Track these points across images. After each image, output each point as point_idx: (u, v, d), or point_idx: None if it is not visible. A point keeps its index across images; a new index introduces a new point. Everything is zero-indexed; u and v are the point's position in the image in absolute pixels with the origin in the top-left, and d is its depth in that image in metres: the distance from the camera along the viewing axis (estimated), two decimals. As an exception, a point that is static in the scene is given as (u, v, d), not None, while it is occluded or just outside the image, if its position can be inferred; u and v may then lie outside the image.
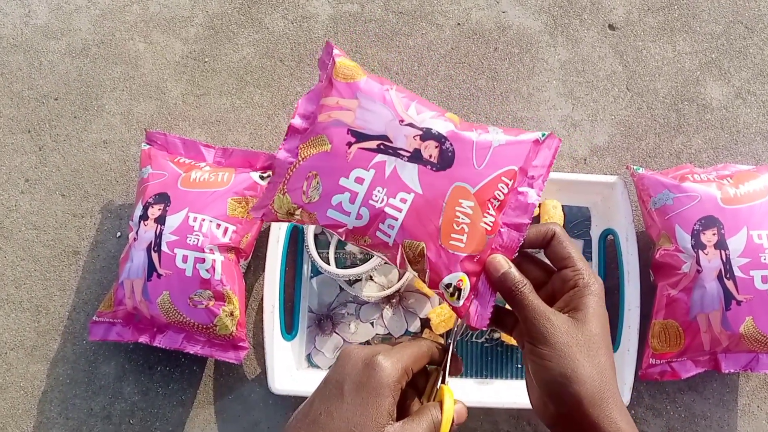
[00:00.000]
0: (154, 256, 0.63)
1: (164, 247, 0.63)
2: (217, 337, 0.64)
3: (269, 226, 0.69)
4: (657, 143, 0.75)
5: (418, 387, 0.44)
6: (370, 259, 0.68)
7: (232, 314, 0.64)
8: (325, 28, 0.78)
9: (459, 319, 0.45)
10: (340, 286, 0.70)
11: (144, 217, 0.64)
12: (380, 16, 0.78)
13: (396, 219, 0.42)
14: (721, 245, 0.61)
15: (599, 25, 0.77)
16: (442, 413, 0.40)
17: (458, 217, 0.42)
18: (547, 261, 0.44)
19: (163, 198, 0.65)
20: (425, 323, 0.69)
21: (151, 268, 0.63)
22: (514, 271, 0.41)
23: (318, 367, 0.69)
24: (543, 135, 0.44)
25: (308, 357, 0.70)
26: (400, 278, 0.69)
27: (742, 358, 0.63)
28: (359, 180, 0.43)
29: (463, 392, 0.66)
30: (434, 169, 0.43)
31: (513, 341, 0.68)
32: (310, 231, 0.68)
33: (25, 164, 0.74)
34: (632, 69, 0.76)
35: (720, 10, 0.78)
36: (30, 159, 0.75)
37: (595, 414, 0.38)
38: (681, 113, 0.75)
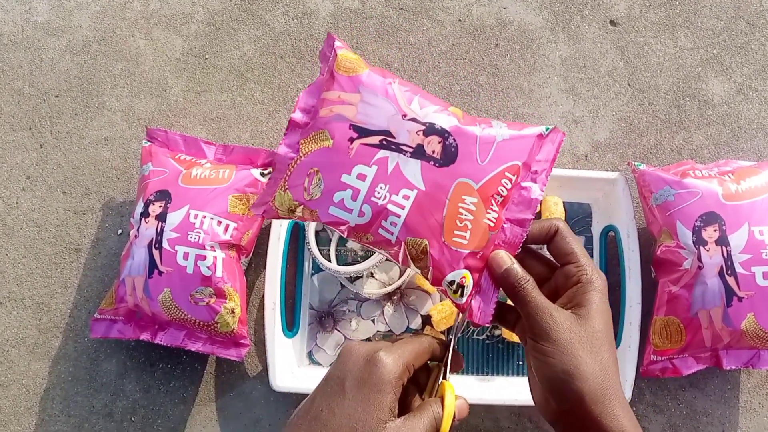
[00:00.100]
0: (155, 253, 0.63)
1: (165, 244, 0.63)
2: (219, 334, 0.64)
3: (270, 223, 0.68)
4: (658, 139, 0.74)
5: (420, 383, 0.43)
6: (371, 256, 0.68)
7: (233, 311, 0.64)
8: (326, 25, 0.77)
9: (460, 316, 0.44)
10: (341, 283, 0.70)
11: (145, 214, 0.64)
12: (381, 12, 0.78)
13: (399, 216, 0.42)
14: (722, 241, 0.61)
15: (600, 20, 0.77)
16: (443, 409, 0.40)
17: (461, 214, 0.41)
18: (550, 257, 0.44)
19: (164, 195, 0.65)
20: (426, 320, 0.69)
21: (152, 265, 0.63)
22: (517, 267, 0.41)
23: (319, 364, 0.69)
24: (547, 129, 0.44)
25: (309, 354, 0.70)
26: (401, 275, 0.69)
27: (744, 355, 0.63)
28: (361, 176, 0.42)
29: (465, 389, 0.65)
30: (437, 165, 0.42)
31: (514, 338, 0.68)
32: (311, 228, 0.68)
33: (26, 161, 0.74)
34: (633, 65, 0.76)
35: (721, 5, 0.77)
36: (31, 156, 0.74)
37: (598, 411, 0.38)
38: (682, 109, 0.75)
